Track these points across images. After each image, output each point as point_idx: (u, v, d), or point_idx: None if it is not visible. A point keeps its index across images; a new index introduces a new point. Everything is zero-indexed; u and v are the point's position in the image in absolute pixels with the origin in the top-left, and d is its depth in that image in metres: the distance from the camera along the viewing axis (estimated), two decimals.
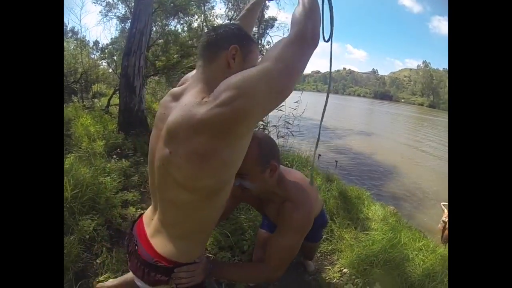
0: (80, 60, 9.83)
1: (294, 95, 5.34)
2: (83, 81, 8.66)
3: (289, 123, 5.12)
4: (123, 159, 3.90)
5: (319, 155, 7.08)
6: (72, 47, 11.91)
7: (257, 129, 5.08)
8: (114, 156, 4.00)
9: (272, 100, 0.92)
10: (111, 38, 16.48)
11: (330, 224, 2.98)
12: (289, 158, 4.72)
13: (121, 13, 12.52)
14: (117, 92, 7.55)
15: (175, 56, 8.59)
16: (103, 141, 4.48)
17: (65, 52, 10.39)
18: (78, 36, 17.28)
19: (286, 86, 0.92)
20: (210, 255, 2.41)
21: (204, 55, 1.06)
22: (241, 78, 0.89)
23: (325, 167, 6.07)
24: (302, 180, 1.55)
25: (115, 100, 7.33)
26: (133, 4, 9.42)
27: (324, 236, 2.80)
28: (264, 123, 5.11)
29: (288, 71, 0.90)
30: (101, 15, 12.27)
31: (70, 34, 19.74)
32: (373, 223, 3.24)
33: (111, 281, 1.85)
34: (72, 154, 3.98)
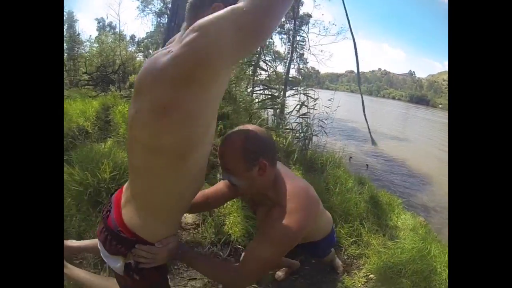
0: (118, 52, 10.23)
1: (327, 94, 5.29)
2: (120, 72, 8.99)
3: (323, 121, 5.05)
4: None
5: (350, 157, 6.99)
6: (110, 40, 12.44)
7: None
8: None
9: (241, 40, 0.80)
10: (147, 33, 17.24)
11: (359, 227, 2.95)
12: (323, 158, 4.68)
13: (157, 8, 12.95)
14: None
15: None
16: None
17: (103, 45, 10.90)
18: (116, 30, 18.06)
19: (259, 24, 0.80)
20: (240, 247, 2.48)
21: (188, 17, 1.00)
22: (207, 18, 0.80)
23: (356, 169, 5.98)
24: (304, 189, 1.27)
25: None
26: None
27: (352, 239, 2.79)
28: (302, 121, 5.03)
29: (261, 7, 0.79)
30: (138, 10, 12.78)
31: (108, 29, 20.73)
32: (402, 232, 3.17)
33: (81, 242, 1.83)
34: (111, 139, 4.19)
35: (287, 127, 5.05)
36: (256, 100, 6.04)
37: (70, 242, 1.82)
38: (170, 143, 0.90)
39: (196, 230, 2.70)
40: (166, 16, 11.91)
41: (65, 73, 8.46)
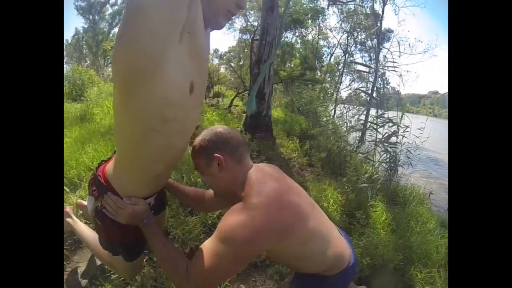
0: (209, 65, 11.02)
1: (415, 120, 4.90)
2: (210, 84, 9.63)
3: (411, 152, 4.68)
4: None
5: (431, 193, 6.50)
6: None
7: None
8: None
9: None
10: (229, 47, 18.35)
11: (436, 275, 2.71)
12: (406, 192, 4.43)
13: (240, 25, 13.84)
14: (239, 95, 8.19)
15: (299, 68, 8.89)
16: None
17: None
18: None
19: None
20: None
21: None
22: None
23: (437, 209, 5.50)
24: (275, 189, 1.08)
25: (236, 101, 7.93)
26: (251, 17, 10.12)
27: None
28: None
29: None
30: (226, 27, 13.85)
31: None
32: None
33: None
34: None
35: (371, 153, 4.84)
36: (346, 123, 5.98)
37: (81, 201, 2.03)
38: (129, 127, 0.93)
39: None
40: (248, 33, 12.74)
41: None
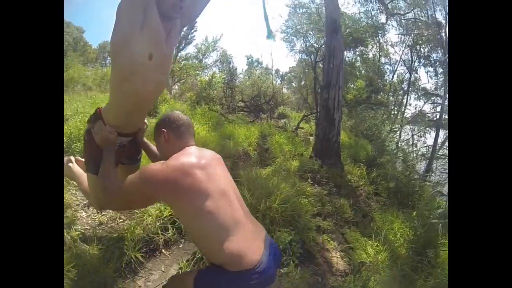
0: (267, 85, 11.01)
1: None
2: (272, 103, 9.59)
3: None
4: (316, 185, 3.98)
5: None
6: (258, 72, 13.93)
7: None
8: (309, 180, 4.13)
9: None
10: (289, 67, 18.58)
11: None
12: None
13: (301, 47, 13.82)
14: (306, 117, 8.00)
15: (365, 90, 8.51)
16: (297, 161, 4.79)
17: (255, 78, 11.98)
18: (263, 65, 20.35)
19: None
20: None
21: None
22: None
23: None
24: (179, 158, 1.41)
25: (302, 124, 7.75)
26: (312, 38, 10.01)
27: None
28: None
29: None
30: (287, 49, 13.93)
31: (256, 64, 23.59)
32: None
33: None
34: (270, 167, 4.35)
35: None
36: (414, 149, 5.60)
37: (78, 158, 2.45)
38: (113, 78, 1.54)
39: None
40: (309, 54, 12.69)
41: (223, 99, 9.51)
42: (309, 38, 13.19)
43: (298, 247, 2.57)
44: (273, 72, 15.33)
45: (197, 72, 18.28)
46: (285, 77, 20.23)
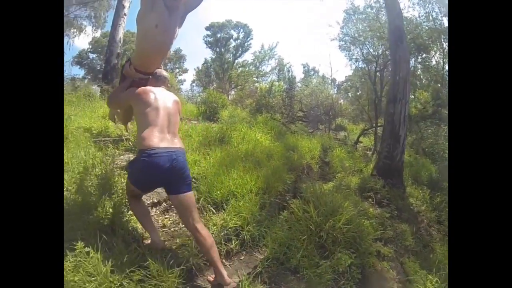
0: (325, 95, 10.87)
1: None
2: (331, 114, 9.51)
3: None
4: (377, 206, 3.95)
5: None
6: (314, 82, 13.83)
7: None
8: (370, 199, 4.08)
9: None
10: (346, 76, 18.15)
11: None
12: None
13: (359, 56, 13.42)
14: (366, 132, 7.84)
15: (431, 104, 8.03)
16: (358, 178, 4.73)
17: (313, 87, 11.86)
18: (319, 73, 20.11)
19: None
20: None
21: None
22: None
23: None
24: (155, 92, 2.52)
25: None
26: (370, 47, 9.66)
27: None
28: None
29: None
30: (346, 58, 13.57)
31: (312, 72, 23.46)
32: None
33: None
34: (332, 182, 4.37)
35: None
36: None
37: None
38: (139, 29, 2.59)
39: None
40: (367, 62, 12.27)
41: (282, 107, 9.61)
42: (367, 45, 12.84)
43: (357, 272, 2.59)
44: (330, 81, 15.13)
45: (255, 79, 18.74)
46: (341, 87, 19.83)
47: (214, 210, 3.10)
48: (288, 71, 13.57)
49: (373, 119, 9.34)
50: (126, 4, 10.18)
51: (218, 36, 24.53)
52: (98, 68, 22.13)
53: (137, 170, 2.26)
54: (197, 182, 3.47)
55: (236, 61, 24.25)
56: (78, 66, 23.57)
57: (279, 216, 3.13)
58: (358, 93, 17.61)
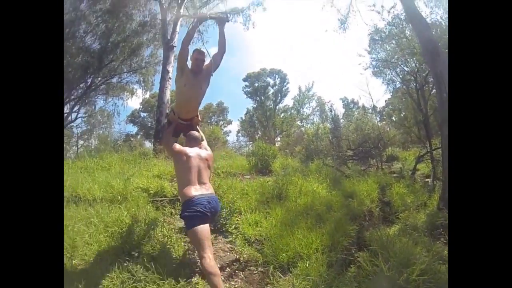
0: (371, 125, 10.68)
1: None
2: (381, 146, 9.32)
3: None
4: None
5: None
6: (356, 114, 13.77)
7: None
8: (441, 238, 3.92)
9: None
10: (385, 101, 17.61)
11: None
12: None
13: (394, 77, 13.16)
14: (421, 158, 7.56)
15: None
16: (423, 215, 4.57)
17: (355, 121, 11.70)
18: (359, 105, 19.98)
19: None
20: None
21: None
22: None
23: None
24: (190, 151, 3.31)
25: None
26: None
27: None
28: None
29: None
30: (384, 84, 13.43)
31: (352, 105, 23.29)
32: None
33: None
34: (394, 226, 4.32)
35: None
36: None
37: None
38: (178, 84, 3.62)
39: None
40: (405, 82, 11.94)
41: (331, 150, 9.58)
42: (401, 64, 12.63)
43: None
44: (369, 109, 14.94)
45: (299, 123, 19.08)
46: (384, 112, 19.24)
47: (281, 274, 3.12)
48: (331, 110, 13.68)
49: (425, 141, 8.93)
50: (170, 69, 11.71)
51: (256, 85, 25.73)
52: (149, 125, 24.65)
53: (190, 216, 2.85)
54: (261, 245, 3.57)
55: (277, 107, 24.97)
56: (132, 124, 26.13)
57: (347, 273, 3.05)
58: (402, 115, 17.13)
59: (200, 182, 3.04)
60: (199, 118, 3.80)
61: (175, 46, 12.34)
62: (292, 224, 3.95)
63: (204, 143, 3.56)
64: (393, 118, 18.04)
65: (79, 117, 18.22)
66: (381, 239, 3.31)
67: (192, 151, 3.18)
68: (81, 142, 21.41)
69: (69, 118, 16.71)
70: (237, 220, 4.28)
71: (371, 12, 12.47)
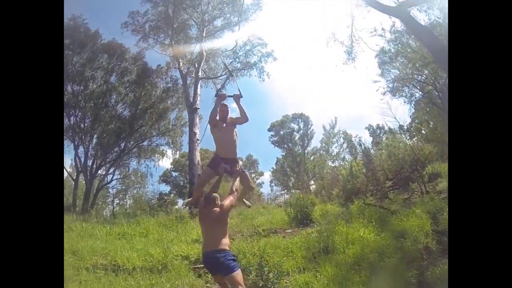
0: (404, 147, 10.32)
1: None
2: (419, 168, 8.87)
3: None
4: None
5: None
6: (385, 140, 13.44)
7: None
8: None
9: None
10: (410, 116, 17.13)
11: None
12: None
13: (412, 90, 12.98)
14: None
15: None
16: None
17: (388, 148, 11.31)
18: (385, 128, 19.73)
19: None
20: None
21: None
22: None
23: None
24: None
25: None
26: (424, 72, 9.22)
27: None
28: None
29: None
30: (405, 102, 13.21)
31: (379, 131, 22.98)
32: None
33: None
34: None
35: None
36: None
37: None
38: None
39: None
40: (425, 92, 11.65)
41: (369, 185, 9.15)
42: (416, 77, 12.38)
43: None
44: (397, 130, 14.47)
45: (330, 163, 18.82)
46: (411, 129, 18.67)
47: None
48: (360, 145, 13.38)
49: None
50: (196, 130, 12.16)
51: (282, 133, 25.77)
52: (181, 184, 25.28)
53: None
54: None
55: (306, 150, 24.86)
56: (164, 183, 26.60)
57: None
58: (431, 125, 16.63)
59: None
60: (239, 168, 4.09)
61: (198, 108, 13.24)
62: (345, 280, 3.70)
63: (234, 195, 3.63)
64: (423, 131, 17.46)
65: (115, 179, 19.71)
66: (444, 276, 3.06)
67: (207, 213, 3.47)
68: (116, 201, 23.38)
69: (105, 179, 18.38)
70: (286, 283, 4.06)
71: (373, 37, 12.82)
